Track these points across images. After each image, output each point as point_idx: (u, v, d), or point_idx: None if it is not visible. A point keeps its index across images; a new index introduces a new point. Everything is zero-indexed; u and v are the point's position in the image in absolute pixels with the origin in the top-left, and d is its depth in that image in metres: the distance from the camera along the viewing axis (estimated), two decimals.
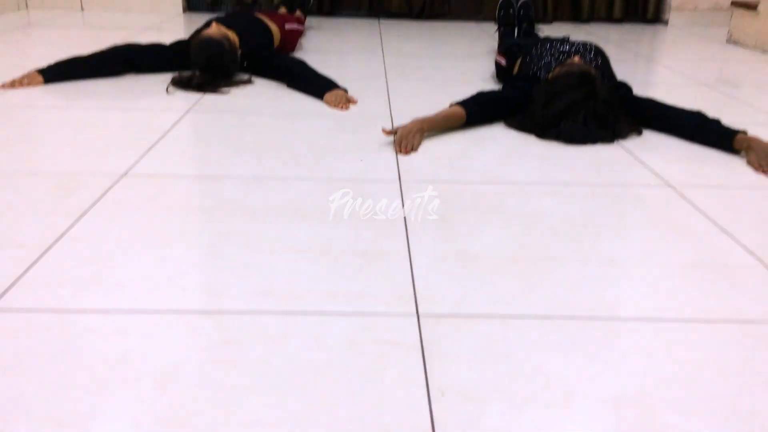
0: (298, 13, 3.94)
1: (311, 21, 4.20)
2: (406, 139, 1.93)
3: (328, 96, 2.44)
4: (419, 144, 1.95)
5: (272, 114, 2.25)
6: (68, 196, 1.52)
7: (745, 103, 2.54)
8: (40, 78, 2.53)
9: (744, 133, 1.93)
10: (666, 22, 4.59)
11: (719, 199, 1.63)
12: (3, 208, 1.45)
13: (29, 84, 2.51)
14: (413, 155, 1.88)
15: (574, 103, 2.03)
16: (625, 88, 2.25)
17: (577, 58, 2.23)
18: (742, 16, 3.72)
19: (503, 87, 2.40)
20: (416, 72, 3.00)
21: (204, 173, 1.71)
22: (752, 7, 3.62)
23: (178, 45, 2.79)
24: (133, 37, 3.39)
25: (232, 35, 2.74)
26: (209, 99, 2.40)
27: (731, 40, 3.82)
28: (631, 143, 2.03)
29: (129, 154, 1.80)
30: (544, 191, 1.65)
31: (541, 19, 4.41)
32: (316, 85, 2.54)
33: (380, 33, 4.14)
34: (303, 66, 2.68)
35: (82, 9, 4.42)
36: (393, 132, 1.97)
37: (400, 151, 1.90)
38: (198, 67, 2.60)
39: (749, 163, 1.86)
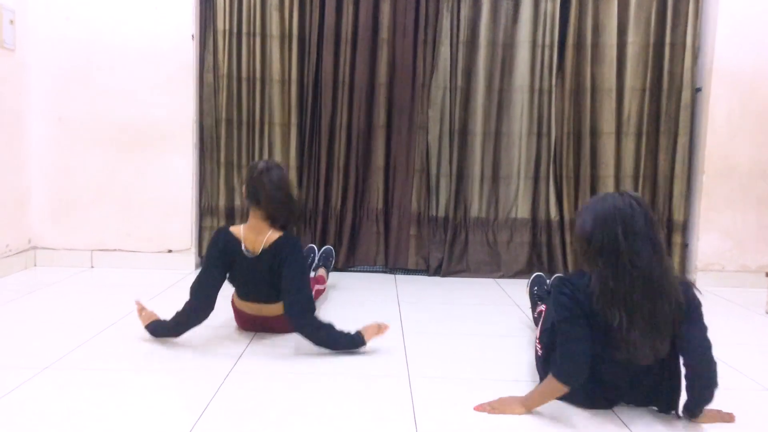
0: (321, 271, 3.84)
1: None
2: (498, 410, 2.20)
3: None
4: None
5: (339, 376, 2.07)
6: None
7: None
8: (154, 316, 2.85)
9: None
10: (693, 283, 4.42)
11: None
12: None
13: (143, 318, 2.86)
14: None
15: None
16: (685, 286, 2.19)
17: None
18: None
19: (559, 318, 2.20)
20: (441, 361, 2.71)
21: None
22: None
23: (225, 251, 2.84)
24: (146, 300, 3.30)
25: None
26: (249, 358, 2.67)
27: None
28: None
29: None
30: None
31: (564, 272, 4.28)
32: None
33: (397, 295, 3.98)
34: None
35: (92, 267, 4.36)
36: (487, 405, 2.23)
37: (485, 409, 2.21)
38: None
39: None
